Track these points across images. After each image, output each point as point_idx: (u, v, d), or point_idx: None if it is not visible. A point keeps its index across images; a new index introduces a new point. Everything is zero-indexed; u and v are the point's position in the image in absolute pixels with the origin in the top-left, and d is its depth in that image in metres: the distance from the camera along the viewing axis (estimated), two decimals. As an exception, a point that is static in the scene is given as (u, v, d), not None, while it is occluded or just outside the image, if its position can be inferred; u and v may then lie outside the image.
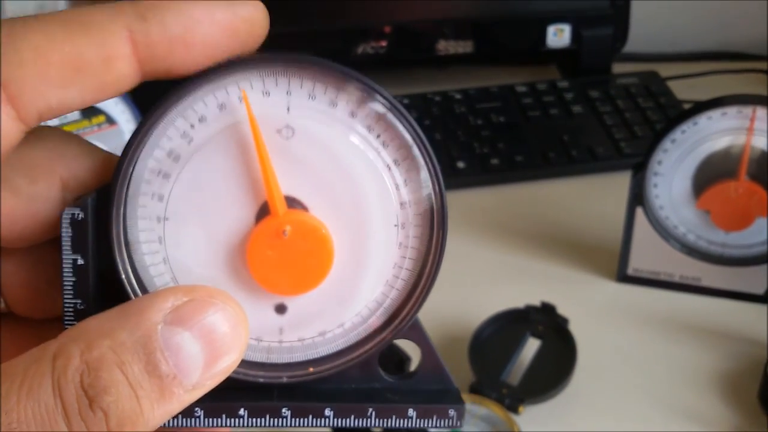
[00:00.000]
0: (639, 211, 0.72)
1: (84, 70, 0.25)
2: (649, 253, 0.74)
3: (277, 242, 0.28)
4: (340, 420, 0.30)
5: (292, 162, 0.28)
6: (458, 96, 1.02)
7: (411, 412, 0.30)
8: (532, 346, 0.68)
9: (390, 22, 1.06)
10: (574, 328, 0.69)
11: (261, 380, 0.30)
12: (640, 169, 0.71)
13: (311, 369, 0.31)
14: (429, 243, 0.30)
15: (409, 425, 0.30)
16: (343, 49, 1.07)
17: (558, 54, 1.09)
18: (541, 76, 1.09)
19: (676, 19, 1.15)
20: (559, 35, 1.05)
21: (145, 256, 0.29)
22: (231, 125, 0.28)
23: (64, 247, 0.28)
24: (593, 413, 0.65)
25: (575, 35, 1.06)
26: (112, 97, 0.26)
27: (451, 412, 0.31)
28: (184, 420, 0.29)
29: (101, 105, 0.83)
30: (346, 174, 0.28)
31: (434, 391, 0.31)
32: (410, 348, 0.32)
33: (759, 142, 0.67)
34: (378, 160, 0.29)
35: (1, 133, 0.24)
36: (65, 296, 0.28)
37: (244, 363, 0.30)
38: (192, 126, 0.28)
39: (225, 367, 0.25)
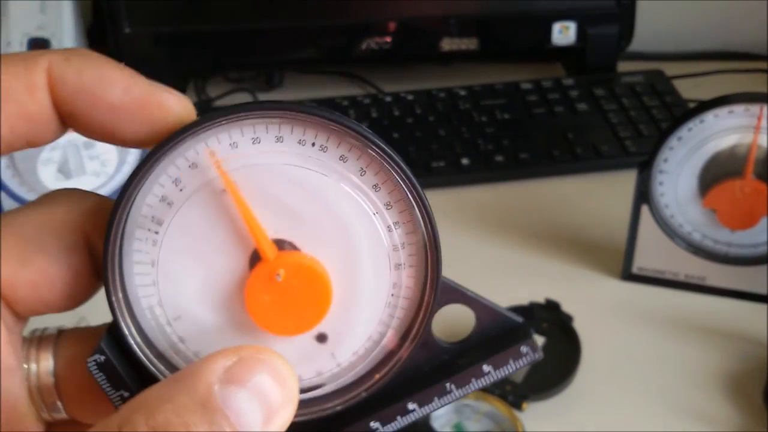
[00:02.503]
0: (644, 209, 0.72)
1: (8, 98, 0.26)
2: (654, 251, 0.74)
3: (272, 286, 0.28)
4: (425, 408, 0.30)
5: (276, 204, 0.28)
6: (463, 93, 1.02)
7: (486, 368, 0.30)
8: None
9: (395, 19, 1.05)
10: (578, 326, 0.69)
11: (339, 408, 0.30)
12: (645, 166, 0.70)
13: (377, 376, 0.30)
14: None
15: (491, 380, 0.30)
16: (348, 45, 1.06)
17: (563, 52, 1.09)
18: (546, 74, 1.08)
19: (681, 18, 1.15)
20: (564, 33, 1.05)
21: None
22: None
23: (106, 390, 0.28)
24: (597, 411, 0.65)
25: (581, 33, 1.05)
26: (41, 138, 0.27)
27: (524, 349, 0.30)
28: None
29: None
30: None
31: (502, 336, 0.31)
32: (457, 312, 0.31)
33: (766, 141, 0.67)
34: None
35: None
36: None
37: (318, 399, 0.30)
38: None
39: (281, 421, 0.25)
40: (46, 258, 0.28)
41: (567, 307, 0.70)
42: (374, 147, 0.27)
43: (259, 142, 0.28)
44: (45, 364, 0.29)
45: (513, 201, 0.89)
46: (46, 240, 0.28)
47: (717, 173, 0.69)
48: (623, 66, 1.08)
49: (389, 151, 0.28)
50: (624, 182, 0.78)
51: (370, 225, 0.29)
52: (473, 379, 0.30)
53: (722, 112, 0.67)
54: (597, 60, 1.07)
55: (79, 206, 0.29)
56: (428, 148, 0.93)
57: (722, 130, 0.68)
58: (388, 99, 1.01)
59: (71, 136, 0.82)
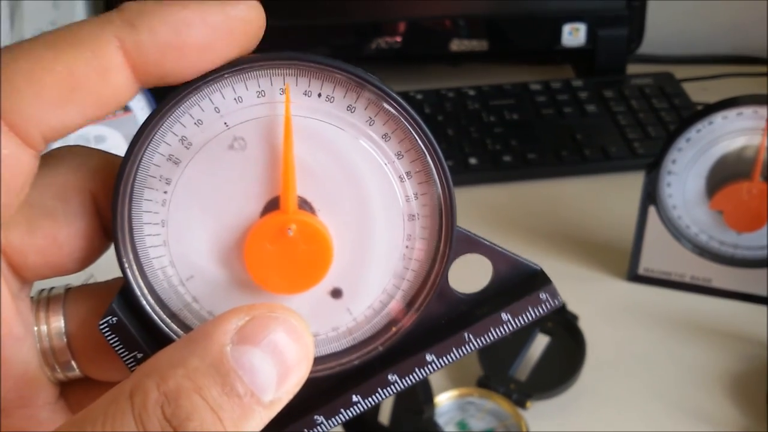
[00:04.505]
0: (652, 210, 0.72)
1: (79, 86, 0.25)
2: (660, 252, 0.74)
3: (279, 238, 0.28)
4: (443, 359, 0.30)
5: (305, 163, 0.28)
6: (472, 93, 1.02)
7: (505, 316, 0.30)
8: (541, 342, 0.68)
9: (405, 19, 1.06)
10: (583, 326, 0.69)
11: (357, 362, 0.30)
12: (653, 167, 0.70)
13: (393, 328, 0.30)
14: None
15: (511, 329, 0.30)
16: (357, 43, 1.07)
17: (573, 53, 1.09)
18: (556, 75, 1.08)
19: (691, 22, 1.15)
20: (574, 34, 1.05)
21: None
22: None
23: (119, 352, 0.28)
24: (600, 410, 0.65)
25: (590, 35, 1.05)
26: (114, 110, 0.26)
27: (543, 296, 0.30)
28: None
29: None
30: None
31: (520, 284, 0.30)
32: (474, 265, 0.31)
33: (774, 144, 0.67)
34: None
35: (14, 163, 0.25)
36: None
37: (336, 354, 0.30)
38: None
39: (297, 378, 0.25)
40: (53, 223, 0.27)
41: (572, 307, 0.70)
42: (388, 97, 0.27)
43: (264, 95, 0.27)
44: (56, 325, 0.29)
45: (520, 201, 0.89)
46: (53, 203, 0.27)
47: (725, 175, 0.69)
48: (632, 68, 1.08)
49: (399, 99, 0.27)
50: (631, 184, 0.78)
51: (383, 175, 0.28)
52: (491, 329, 0.30)
53: (731, 113, 0.67)
54: (606, 62, 1.07)
55: (83, 165, 0.28)
56: (436, 147, 0.93)
57: (731, 132, 0.68)
58: (397, 98, 1.01)
59: (82, 131, 0.83)
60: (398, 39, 1.06)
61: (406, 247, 0.29)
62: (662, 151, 0.70)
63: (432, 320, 0.30)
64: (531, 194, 0.90)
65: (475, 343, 0.30)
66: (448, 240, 0.29)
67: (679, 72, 1.06)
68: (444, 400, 0.64)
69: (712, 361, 0.69)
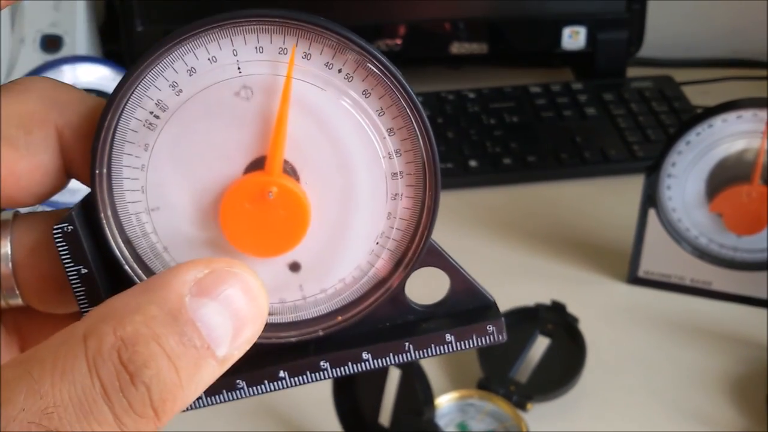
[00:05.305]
0: (651, 213, 0.72)
1: None
2: (660, 255, 0.74)
3: (258, 199, 0.27)
4: (378, 361, 0.30)
5: (299, 131, 0.28)
6: (472, 95, 1.02)
7: (449, 337, 0.30)
8: (541, 344, 0.69)
9: (405, 21, 1.06)
10: (583, 328, 0.69)
11: (293, 339, 0.30)
12: (653, 170, 0.71)
13: (339, 318, 0.30)
14: (422, 201, 0.29)
15: (451, 350, 0.30)
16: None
17: (573, 56, 1.09)
18: (556, 78, 1.09)
19: (691, 25, 1.15)
20: (574, 37, 1.05)
21: (128, 204, 0.29)
22: (208, 86, 0.27)
23: (64, 261, 0.28)
24: (601, 412, 0.65)
25: (590, 38, 1.06)
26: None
27: (490, 328, 0.30)
28: (228, 394, 0.29)
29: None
30: (349, 167, 0.28)
31: (471, 311, 0.31)
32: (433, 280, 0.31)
33: (774, 147, 0.67)
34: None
35: None
36: (80, 305, 0.28)
37: (275, 326, 0.30)
38: (194, 70, 0.27)
39: (249, 336, 0.25)
40: (13, 153, 0.27)
41: (573, 309, 0.70)
42: (380, 66, 0.27)
43: (285, 53, 0.27)
44: (2, 251, 0.28)
45: (520, 203, 0.89)
46: (14, 133, 0.27)
47: (724, 178, 0.69)
48: (632, 71, 1.08)
49: (394, 70, 0.27)
50: (631, 186, 0.78)
51: (378, 171, 0.28)
52: (433, 345, 0.30)
53: (731, 116, 0.67)
54: (606, 65, 1.07)
55: (51, 97, 0.28)
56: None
57: (730, 135, 0.68)
58: (398, 100, 1.01)
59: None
60: (398, 41, 1.06)
61: (377, 243, 0.30)
62: (662, 154, 0.70)
63: (377, 320, 0.30)
64: (531, 197, 0.90)
65: (413, 354, 0.30)
66: (418, 249, 0.29)
67: (679, 75, 1.06)
68: (444, 401, 0.64)
69: (712, 364, 0.69)
